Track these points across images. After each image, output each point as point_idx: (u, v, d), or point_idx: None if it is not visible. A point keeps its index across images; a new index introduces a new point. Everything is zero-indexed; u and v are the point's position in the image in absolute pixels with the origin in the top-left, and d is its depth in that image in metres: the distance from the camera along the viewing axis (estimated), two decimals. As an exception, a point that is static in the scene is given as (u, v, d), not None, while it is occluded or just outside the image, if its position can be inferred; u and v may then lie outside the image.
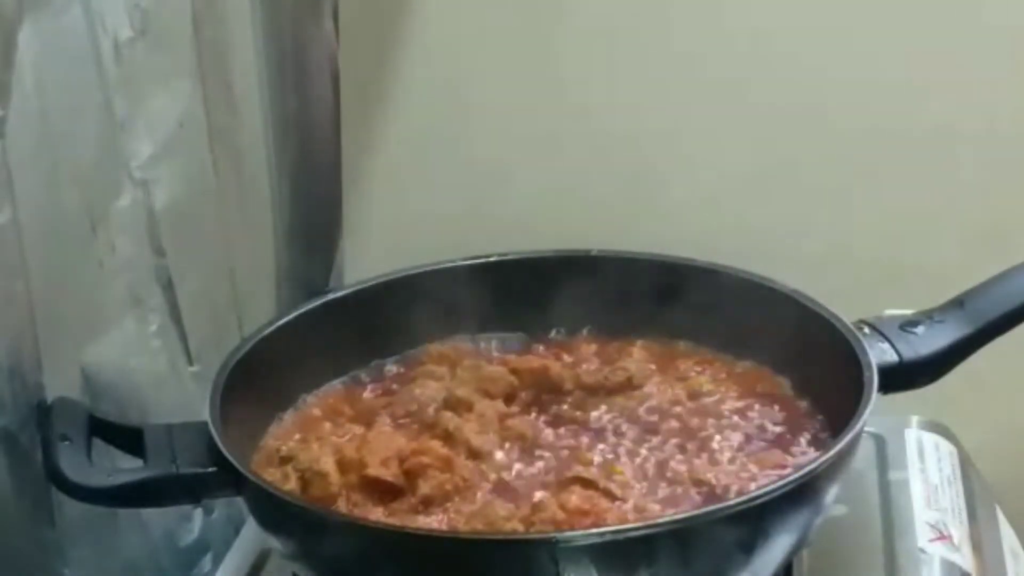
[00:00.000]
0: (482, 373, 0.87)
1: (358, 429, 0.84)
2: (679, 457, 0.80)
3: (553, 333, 0.93)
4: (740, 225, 1.07)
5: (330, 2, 1.06)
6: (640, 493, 0.77)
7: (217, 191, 0.94)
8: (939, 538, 0.84)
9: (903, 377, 0.82)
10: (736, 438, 0.82)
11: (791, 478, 0.71)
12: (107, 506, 0.78)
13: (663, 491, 0.77)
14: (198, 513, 0.92)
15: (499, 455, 0.81)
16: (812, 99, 1.05)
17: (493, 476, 0.79)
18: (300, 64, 1.04)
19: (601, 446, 0.81)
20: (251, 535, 0.89)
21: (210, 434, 0.76)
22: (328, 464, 0.78)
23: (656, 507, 0.76)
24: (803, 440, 0.81)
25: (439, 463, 0.78)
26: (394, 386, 0.89)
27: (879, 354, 0.81)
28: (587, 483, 0.76)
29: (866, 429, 0.77)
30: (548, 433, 0.83)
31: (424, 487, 0.77)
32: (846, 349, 0.81)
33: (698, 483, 0.77)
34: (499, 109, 1.11)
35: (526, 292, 0.93)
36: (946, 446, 0.94)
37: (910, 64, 1.04)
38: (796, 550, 0.76)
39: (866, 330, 0.84)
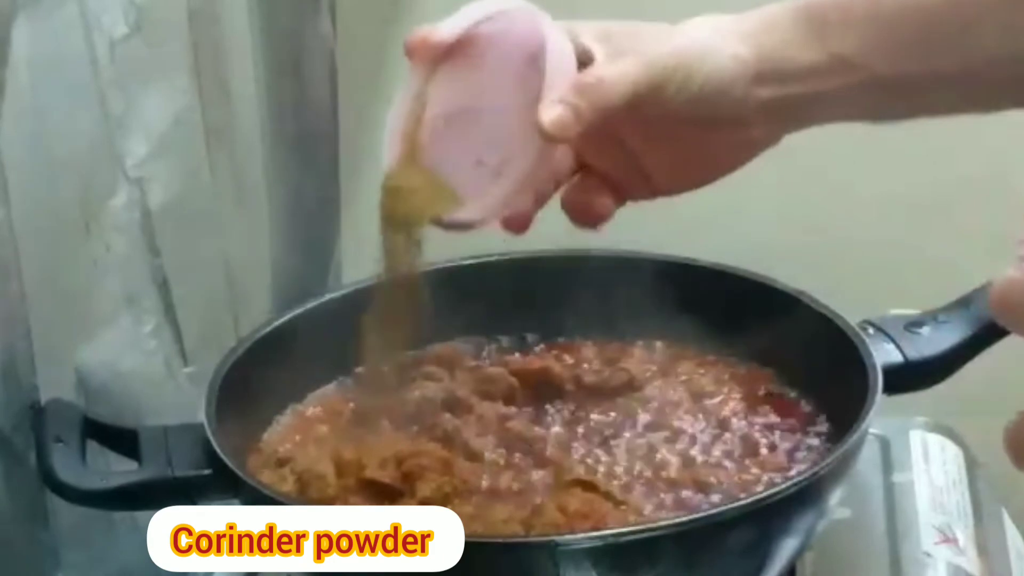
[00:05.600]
0: (482, 374, 0.87)
1: (356, 431, 0.83)
2: (681, 459, 0.79)
3: (553, 334, 0.93)
4: (741, 225, 1.07)
5: (327, 0, 1.05)
6: (641, 495, 0.76)
7: (213, 190, 0.93)
8: (944, 541, 0.84)
9: (908, 378, 0.82)
10: (738, 440, 0.81)
11: (794, 480, 0.71)
12: (101, 509, 0.78)
13: (664, 493, 0.77)
14: (194, 515, 0.91)
15: (498, 457, 0.80)
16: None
17: (492, 478, 0.78)
18: (297, 63, 1.04)
19: (602, 448, 0.81)
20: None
21: (206, 436, 0.76)
22: (326, 466, 0.78)
23: (657, 510, 0.75)
24: (806, 442, 0.81)
25: (438, 465, 0.77)
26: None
27: (883, 355, 0.81)
28: (587, 486, 0.76)
29: (871, 431, 0.76)
30: (548, 435, 0.82)
31: (423, 489, 0.76)
32: (850, 350, 0.81)
33: (700, 485, 0.77)
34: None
35: (526, 292, 0.92)
36: (951, 448, 0.93)
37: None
38: (799, 553, 0.76)
39: (870, 330, 0.83)
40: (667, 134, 0.70)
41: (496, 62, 0.71)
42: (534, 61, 0.68)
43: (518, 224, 0.73)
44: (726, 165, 0.73)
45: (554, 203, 1.09)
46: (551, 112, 0.65)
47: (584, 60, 0.68)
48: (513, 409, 0.85)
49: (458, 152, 0.72)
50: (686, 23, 0.71)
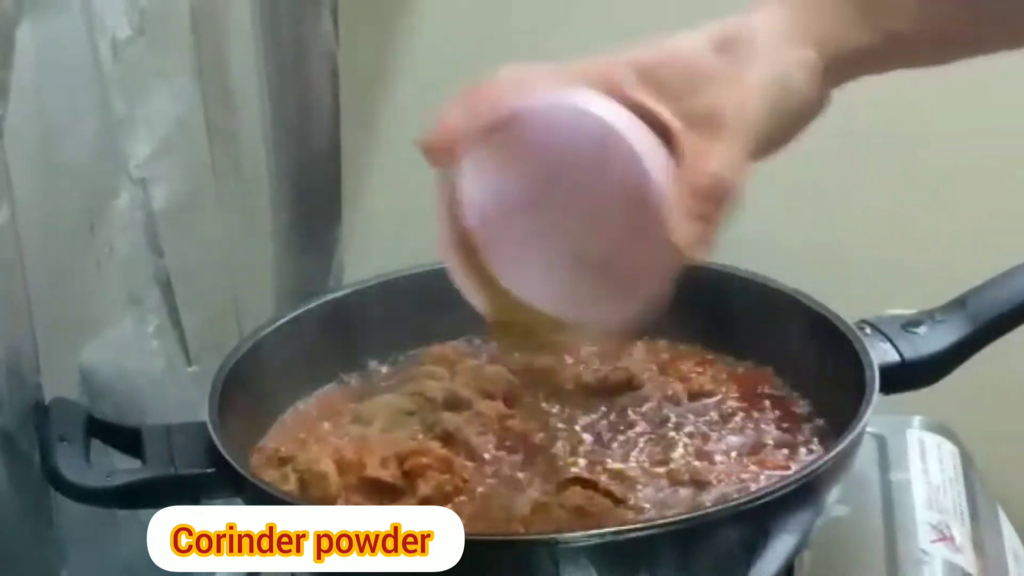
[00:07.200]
0: (482, 373, 0.87)
1: (357, 430, 0.84)
2: (680, 458, 0.80)
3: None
4: (740, 225, 1.07)
5: (329, 1, 1.06)
6: (641, 494, 0.76)
7: (216, 191, 0.93)
8: (941, 539, 0.84)
9: (905, 377, 0.82)
10: (737, 438, 0.82)
11: (792, 479, 0.71)
12: (105, 507, 0.78)
13: (664, 492, 0.77)
14: (197, 513, 0.91)
15: (499, 456, 0.80)
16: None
17: (493, 477, 0.79)
18: (299, 63, 1.04)
19: (601, 446, 0.81)
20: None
21: (209, 435, 0.76)
22: (327, 465, 0.78)
23: (656, 508, 0.75)
24: (804, 441, 0.81)
25: (439, 464, 0.77)
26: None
27: (880, 354, 0.81)
28: (587, 484, 0.76)
29: (868, 429, 0.76)
30: (548, 434, 0.83)
31: (424, 488, 0.76)
32: (847, 349, 0.81)
33: (699, 484, 0.77)
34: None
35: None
36: (948, 446, 0.93)
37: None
38: (797, 551, 0.76)
39: (867, 330, 0.83)
40: None
41: (538, 147, 0.65)
42: (599, 142, 0.63)
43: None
44: (799, 132, 0.69)
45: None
46: (685, 233, 0.62)
47: (650, 122, 0.63)
48: (513, 408, 0.85)
49: (538, 246, 0.66)
50: (734, 30, 0.66)
